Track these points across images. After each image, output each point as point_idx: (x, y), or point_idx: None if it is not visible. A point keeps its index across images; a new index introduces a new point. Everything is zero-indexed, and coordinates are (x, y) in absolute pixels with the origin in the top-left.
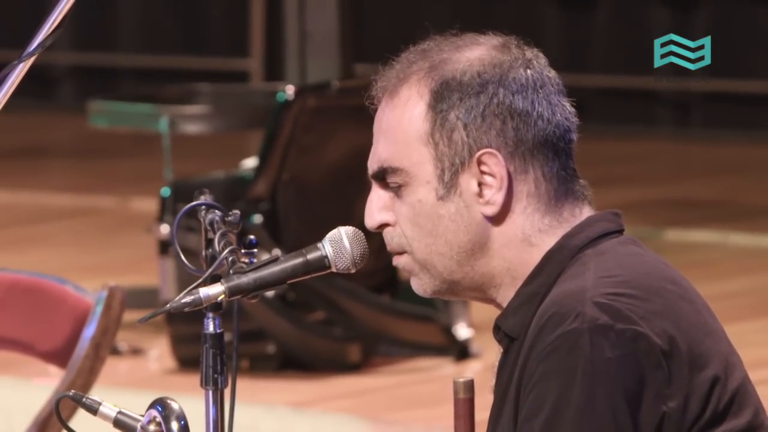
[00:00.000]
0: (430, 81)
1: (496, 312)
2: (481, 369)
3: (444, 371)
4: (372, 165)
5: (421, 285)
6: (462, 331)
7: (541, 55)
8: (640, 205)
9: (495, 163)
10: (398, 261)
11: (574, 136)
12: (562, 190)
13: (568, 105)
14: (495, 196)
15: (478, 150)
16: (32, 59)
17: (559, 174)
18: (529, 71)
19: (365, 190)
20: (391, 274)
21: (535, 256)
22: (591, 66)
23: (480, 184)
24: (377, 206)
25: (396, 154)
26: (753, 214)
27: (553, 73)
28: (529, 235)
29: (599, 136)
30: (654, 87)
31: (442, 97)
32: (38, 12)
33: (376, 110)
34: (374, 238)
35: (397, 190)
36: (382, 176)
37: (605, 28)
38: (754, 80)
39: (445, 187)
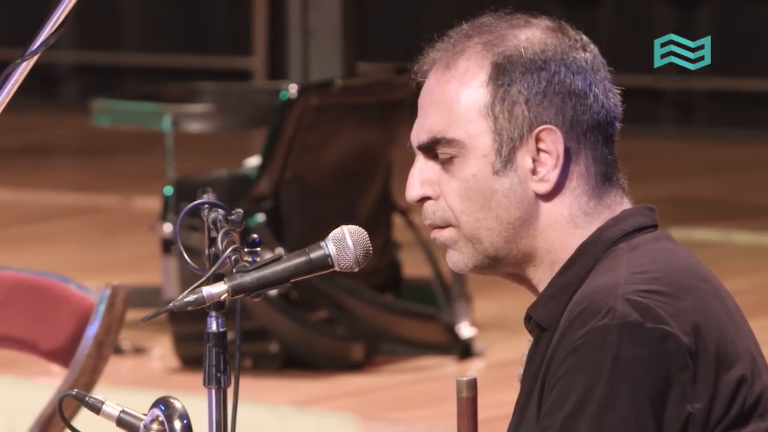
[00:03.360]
0: (492, 54)
1: (500, 310)
2: (484, 368)
3: (447, 370)
4: (420, 136)
5: (461, 259)
6: (465, 329)
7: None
8: (643, 203)
9: (553, 140)
10: (439, 234)
11: (618, 126)
12: (607, 175)
13: (618, 93)
14: (550, 173)
15: (538, 126)
16: (35, 58)
17: (605, 159)
18: (587, 54)
19: (368, 189)
20: (394, 273)
21: (576, 241)
22: None
23: (534, 161)
24: (420, 179)
25: (451, 125)
26: (756, 212)
27: (604, 61)
28: (574, 216)
29: None
30: (657, 85)
31: (504, 70)
32: (41, 11)
33: (419, 84)
34: (377, 237)
35: (447, 163)
36: (432, 147)
37: (607, 27)
38: (757, 79)
39: (503, 161)
